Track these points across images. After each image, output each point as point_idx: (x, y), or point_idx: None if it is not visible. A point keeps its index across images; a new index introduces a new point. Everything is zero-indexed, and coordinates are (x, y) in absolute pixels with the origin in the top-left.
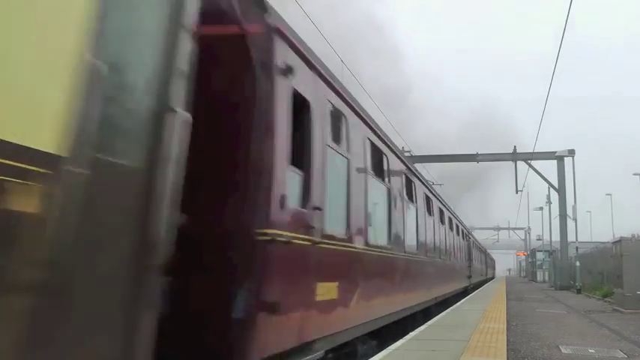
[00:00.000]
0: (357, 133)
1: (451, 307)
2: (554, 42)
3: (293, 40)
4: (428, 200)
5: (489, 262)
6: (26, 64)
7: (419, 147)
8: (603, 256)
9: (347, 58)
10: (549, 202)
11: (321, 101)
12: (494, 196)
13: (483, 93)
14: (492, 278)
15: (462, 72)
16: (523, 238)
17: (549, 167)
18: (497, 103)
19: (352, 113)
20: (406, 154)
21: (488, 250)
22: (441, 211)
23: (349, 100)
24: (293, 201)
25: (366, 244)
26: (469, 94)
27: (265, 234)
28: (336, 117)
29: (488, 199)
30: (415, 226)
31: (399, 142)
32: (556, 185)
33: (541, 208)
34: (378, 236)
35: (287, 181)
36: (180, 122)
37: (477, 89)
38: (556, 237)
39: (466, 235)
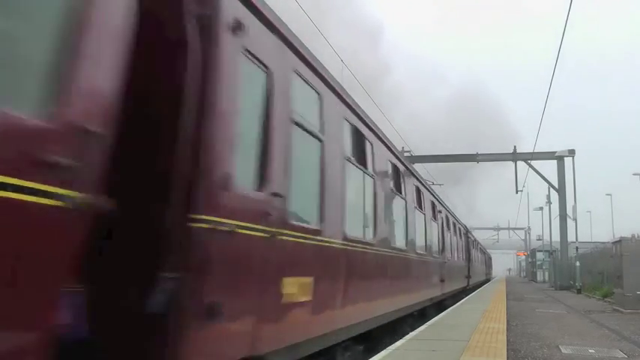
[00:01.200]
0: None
1: (451, 307)
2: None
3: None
4: None
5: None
6: None
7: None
8: (603, 256)
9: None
10: (549, 202)
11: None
12: (486, 193)
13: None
14: (487, 281)
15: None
16: (523, 238)
17: (549, 167)
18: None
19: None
20: (406, 154)
21: (488, 249)
22: None
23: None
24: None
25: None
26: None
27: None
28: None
29: (476, 195)
30: None
31: (398, 143)
32: (556, 185)
33: (541, 208)
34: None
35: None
36: None
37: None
38: (556, 237)
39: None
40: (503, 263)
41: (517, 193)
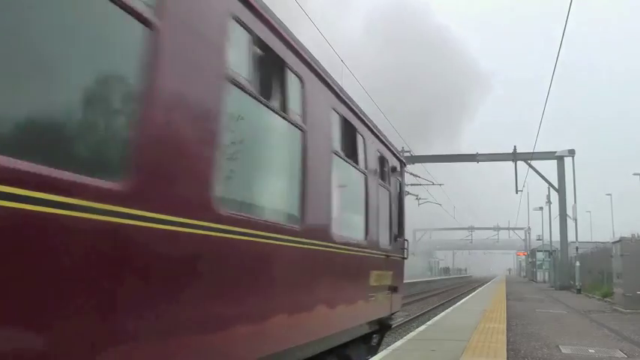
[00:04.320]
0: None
1: (451, 307)
2: None
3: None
4: None
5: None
6: None
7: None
8: (603, 256)
9: None
10: (549, 202)
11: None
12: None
13: None
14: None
15: None
16: (523, 238)
17: (550, 167)
18: None
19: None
20: (406, 154)
21: (488, 250)
22: None
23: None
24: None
25: None
26: None
27: None
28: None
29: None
30: None
31: (399, 143)
32: (556, 185)
33: (541, 208)
34: None
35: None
36: None
37: None
38: (556, 237)
39: None
40: (504, 263)
41: (517, 193)
